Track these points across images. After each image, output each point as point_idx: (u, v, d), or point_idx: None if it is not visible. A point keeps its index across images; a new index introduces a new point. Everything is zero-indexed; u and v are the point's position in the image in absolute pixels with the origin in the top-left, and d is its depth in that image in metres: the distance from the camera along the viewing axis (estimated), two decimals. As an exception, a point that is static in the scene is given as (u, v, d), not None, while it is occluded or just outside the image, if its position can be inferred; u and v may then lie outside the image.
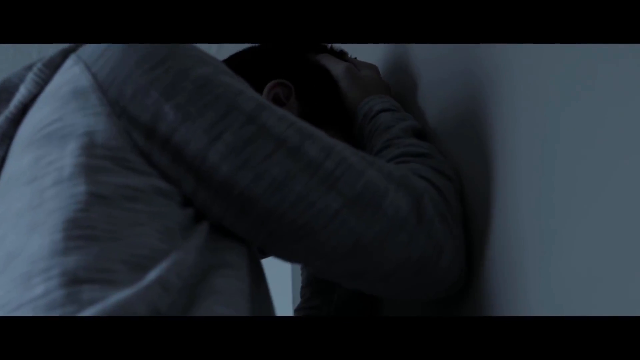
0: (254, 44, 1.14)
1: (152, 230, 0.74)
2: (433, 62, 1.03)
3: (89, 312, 0.65)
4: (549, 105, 0.73)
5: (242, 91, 0.80)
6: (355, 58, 1.17)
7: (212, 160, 0.77)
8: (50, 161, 0.76)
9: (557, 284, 0.71)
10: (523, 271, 0.77)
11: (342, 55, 1.16)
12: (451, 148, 0.96)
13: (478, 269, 0.87)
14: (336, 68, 1.10)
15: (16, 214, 0.75)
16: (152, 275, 0.70)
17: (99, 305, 0.66)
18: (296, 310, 1.20)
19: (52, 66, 0.83)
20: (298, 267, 1.49)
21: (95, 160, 0.75)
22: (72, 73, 0.80)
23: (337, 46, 1.17)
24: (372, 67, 1.14)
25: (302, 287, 1.21)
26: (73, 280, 0.69)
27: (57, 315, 0.66)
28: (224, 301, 0.72)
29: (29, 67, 0.86)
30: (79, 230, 0.71)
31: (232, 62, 1.10)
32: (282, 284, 1.73)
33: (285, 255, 0.84)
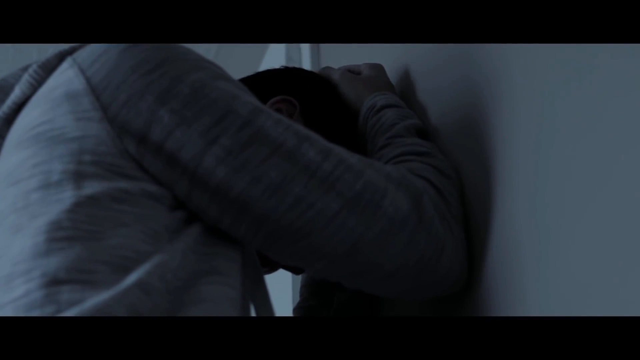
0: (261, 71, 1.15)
1: (137, 232, 0.74)
2: (434, 62, 1.03)
3: (67, 314, 0.66)
4: (548, 106, 0.73)
5: (238, 95, 0.80)
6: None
7: (207, 164, 0.77)
8: (36, 163, 0.76)
9: (556, 284, 0.71)
10: (522, 271, 0.77)
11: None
12: (451, 148, 0.96)
13: (477, 268, 0.88)
14: (334, 74, 1.11)
15: (0, 215, 0.75)
16: (133, 277, 0.70)
17: (76, 308, 0.66)
18: (295, 310, 1.20)
19: (48, 68, 0.83)
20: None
21: (84, 167, 0.75)
22: (67, 76, 0.80)
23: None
24: (375, 67, 1.14)
25: (302, 287, 1.21)
26: (53, 281, 0.69)
27: (36, 315, 0.66)
28: (210, 309, 0.72)
29: (25, 68, 0.86)
30: (62, 232, 0.71)
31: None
32: (282, 284, 1.73)
33: (284, 257, 0.84)
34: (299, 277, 1.23)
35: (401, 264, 0.82)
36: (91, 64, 0.79)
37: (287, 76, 1.11)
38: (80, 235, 0.72)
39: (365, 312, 1.16)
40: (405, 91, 1.12)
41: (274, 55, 2.05)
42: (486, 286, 0.85)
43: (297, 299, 1.23)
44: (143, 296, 0.69)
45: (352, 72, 1.14)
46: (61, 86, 0.79)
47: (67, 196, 0.73)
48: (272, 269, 1.08)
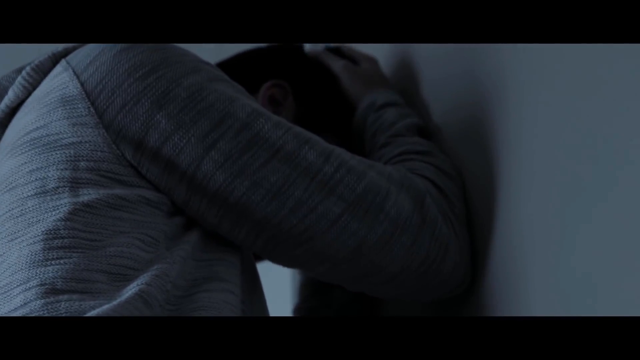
0: (252, 47, 1.13)
1: (135, 240, 0.73)
2: (436, 61, 1.03)
3: None
4: (553, 106, 0.73)
5: (236, 98, 0.79)
6: (351, 48, 1.15)
7: (206, 169, 0.76)
8: (32, 169, 0.75)
9: (559, 284, 0.71)
10: (526, 271, 0.77)
11: (338, 51, 1.14)
12: (454, 147, 0.96)
13: (481, 269, 0.87)
14: (335, 65, 1.08)
15: None
16: (133, 288, 0.70)
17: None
18: (295, 311, 1.20)
19: (41, 71, 0.82)
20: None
21: (80, 174, 0.74)
22: (61, 80, 0.79)
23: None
24: (371, 60, 1.11)
25: (301, 285, 1.21)
26: (51, 291, 0.68)
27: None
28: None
29: (19, 70, 0.85)
30: (59, 241, 0.71)
31: (231, 63, 1.09)
32: (282, 284, 1.73)
33: (285, 261, 0.83)
34: (299, 277, 1.22)
35: (404, 266, 0.82)
36: (85, 67, 0.78)
37: (281, 57, 1.08)
38: (77, 244, 0.71)
39: (366, 310, 1.15)
40: (407, 90, 1.11)
41: (274, 55, 2.04)
42: (489, 286, 0.85)
43: (295, 298, 1.22)
44: (144, 307, 0.69)
45: (351, 59, 1.11)
46: (56, 90, 0.78)
47: (63, 203, 0.73)
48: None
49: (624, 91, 0.62)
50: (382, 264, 0.81)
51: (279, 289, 1.70)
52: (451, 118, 0.98)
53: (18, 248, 0.72)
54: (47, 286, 0.69)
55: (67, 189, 0.73)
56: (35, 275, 0.69)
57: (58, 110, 0.77)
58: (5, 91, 0.85)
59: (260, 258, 1.04)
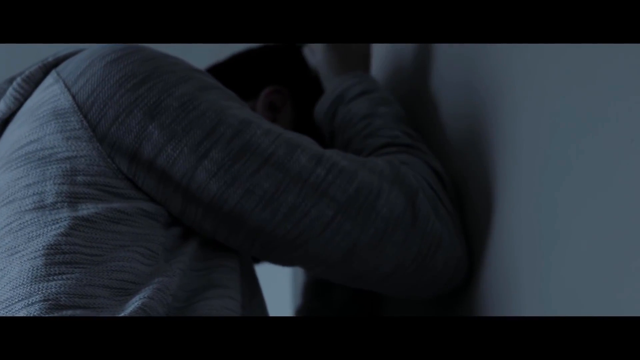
0: (250, 48, 1.13)
1: (135, 253, 0.73)
2: (436, 61, 1.03)
3: None
4: (549, 106, 0.73)
5: (227, 106, 0.79)
6: None
7: (200, 179, 0.76)
8: (28, 183, 0.75)
9: (556, 284, 0.71)
10: (522, 271, 0.77)
11: None
12: (452, 148, 0.96)
13: (477, 268, 0.87)
14: (312, 58, 1.07)
15: None
16: (136, 301, 0.70)
17: None
18: (296, 312, 1.20)
19: (32, 82, 0.82)
20: (298, 268, 1.49)
21: (78, 188, 0.74)
22: (52, 92, 0.78)
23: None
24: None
25: (304, 287, 1.21)
26: (55, 306, 0.68)
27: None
28: None
29: (10, 81, 0.85)
30: (61, 256, 0.71)
31: (229, 66, 1.09)
32: (282, 286, 1.73)
33: (283, 263, 0.84)
34: (298, 277, 1.23)
35: (398, 264, 0.82)
36: (76, 79, 0.78)
37: (280, 61, 1.08)
38: (79, 259, 0.71)
39: (366, 310, 1.16)
40: (405, 91, 1.11)
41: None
42: (485, 286, 0.85)
43: (297, 299, 1.23)
44: None
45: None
46: (47, 103, 0.78)
47: (63, 218, 0.72)
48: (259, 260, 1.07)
49: (619, 91, 0.62)
50: (376, 262, 0.81)
51: (279, 290, 1.71)
52: (448, 119, 0.98)
53: (19, 262, 0.71)
54: (50, 301, 0.69)
55: (65, 203, 0.73)
56: (38, 290, 0.69)
57: (51, 124, 0.76)
58: None
59: (259, 260, 1.04)
